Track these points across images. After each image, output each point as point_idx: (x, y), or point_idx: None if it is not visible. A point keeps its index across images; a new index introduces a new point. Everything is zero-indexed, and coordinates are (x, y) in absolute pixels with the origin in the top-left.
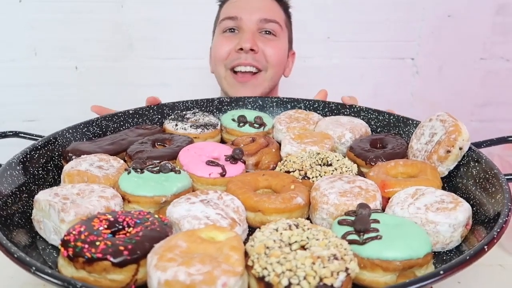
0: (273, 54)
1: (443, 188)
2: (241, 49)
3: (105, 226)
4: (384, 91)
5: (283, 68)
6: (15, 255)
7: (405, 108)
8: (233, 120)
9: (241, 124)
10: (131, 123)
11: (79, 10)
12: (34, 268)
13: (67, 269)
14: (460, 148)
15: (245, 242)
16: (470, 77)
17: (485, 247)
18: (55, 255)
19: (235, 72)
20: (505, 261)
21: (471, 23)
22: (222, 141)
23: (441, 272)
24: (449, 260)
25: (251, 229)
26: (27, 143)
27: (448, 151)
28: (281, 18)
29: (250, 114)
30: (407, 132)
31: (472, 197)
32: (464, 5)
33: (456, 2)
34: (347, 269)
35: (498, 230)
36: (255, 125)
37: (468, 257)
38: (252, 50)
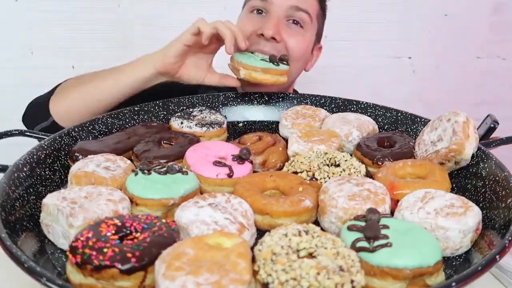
0: (295, 47)
1: (452, 189)
2: (262, 34)
3: (113, 232)
4: (382, 90)
5: (304, 63)
6: (25, 265)
7: (402, 107)
8: (264, 60)
9: (275, 63)
10: (137, 120)
11: (76, 9)
12: (45, 278)
13: (75, 275)
14: (457, 163)
15: (254, 247)
16: (467, 76)
17: (497, 256)
18: (64, 259)
19: None
20: (505, 261)
21: (468, 22)
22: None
23: (453, 284)
24: (459, 265)
25: (259, 232)
26: (27, 143)
27: (442, 163)
28: (313, 9)
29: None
30: (415, 130)
31: (481, 199)
32: (461, 4)
33: (453, 1)
34: (352, 281)
35: (510, 238)
36: (283, 62)
37: (480, 268)
38: (273, 38)
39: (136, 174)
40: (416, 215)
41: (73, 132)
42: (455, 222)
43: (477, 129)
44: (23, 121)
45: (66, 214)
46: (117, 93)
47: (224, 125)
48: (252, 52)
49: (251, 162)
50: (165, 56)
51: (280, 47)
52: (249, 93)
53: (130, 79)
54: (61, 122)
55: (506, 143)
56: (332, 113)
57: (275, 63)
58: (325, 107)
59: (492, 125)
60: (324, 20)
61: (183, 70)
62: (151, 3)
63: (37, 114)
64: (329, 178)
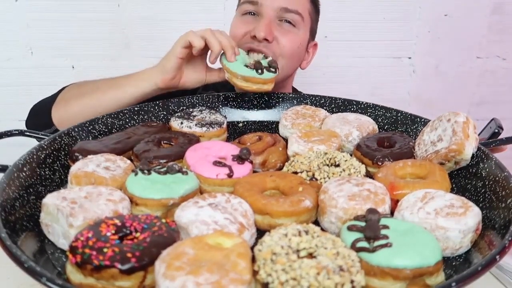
0: (286, 45)
1: (452, 189)
2: (255, 36)
3: (113, 232)
4: (381, 90)
5: (298, 60)
6: (25, 265)
7: (402, 107)
8: (247, 67)
9: (259, 71)
10: (137, 120)
11: (75, 9)
12: (45, 278)
13: (75, 275)
14: (457, 163)
15: (253, 247)
16: (467, 76)
17: (497, 256)
18: (64, 259)
19: None
20: (505, 261)
21: (468, 22)
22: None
23: (453, 284)
24: (459, 265)
25: (259, 232)
26: (27, 143)
27: (442, 163)
28: (304, 8)
29: (260, 58)
30: (414, 130)
31: (481, 199)
32: (461, 4)
33: (453, 1)
34: (352, 281)
35: (510, 238)
36: (271, 69)
37: (480, 268)
38: (265, 40)
39: (136, 174)
40: (416, 215)
41: (73, 132)
42: (455, 222)
43: (481, 132)
44: (26, 126)
45: (66, 214)
46: (118, 107)
47: (224, 125)
48: (248, 52)
49: (251, 162)
50: (164, 72)
51: (272, 46)
52: (249, 93)
53: (130, 96)
54: None
55: (506, 143)
56: (332, 113)
57: (259, 71)
58: (325, 107)
59: (496, 130)
60: (318, 16)
61: (184, 79)
62: (151, 3)
63: (40, 121)
64: (329, 178)
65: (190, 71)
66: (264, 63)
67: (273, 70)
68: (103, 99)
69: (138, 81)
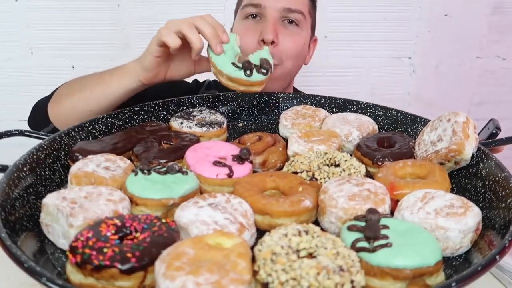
0: (290, 48)
1: (452, 189)
2: (263, 40)
3: (113, 232)
4: (381, 90)
5: (302, 59)
6: (25, 265)
7: (402, 107)
8: (235, 65)
9: (248, 72)
10: (137, 120)
11: (75, 9)
12: (45, 278)
13: (75, 275)
14: (456, 163)
15: (253, 247)
16: (467, 76)
17: (497, 256)
18: (64, 259)
19: None
20: (505, 261)
21: (468, 22)
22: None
23: (453, 284)
24: (459, 265)
25: (259, 232)
26: (27, 143)
27: (442, 163)
28: (305, 7)
29: (251, 56)
30: (414, 130)
31: (481, 199)
32: (461, 4)
33: (453, 1)
34: (352, 281)
35: (510, 238)
36: (262, 70)
37: (480, 268)
38: (273, 42)
39: (136, 174)
40: (416, 215)
41: (73, 132)
42: (455, 222)
43: (479, 133)
44: (28, 124)
45: (66, 214)
46: (107, 103)
47: (224, 125)
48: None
49: (251, 162)
50: (144, 70)
51: (278, 50)
52: (249, 93)
53: (117, 91)
54: (61, 128)
55: (506, 143)
56: (332, 113)
57: (247, 73)
58: (325, 107)
59: (494, 131)
60: (316, 11)
61: (171, 72)
62: (151, 3)
63: (39, 119)
64: (329, 178)
65: (176, 63)
66: (255, 61)
67: (265, 71)
68: (91, 97)
69: (122, 78)
